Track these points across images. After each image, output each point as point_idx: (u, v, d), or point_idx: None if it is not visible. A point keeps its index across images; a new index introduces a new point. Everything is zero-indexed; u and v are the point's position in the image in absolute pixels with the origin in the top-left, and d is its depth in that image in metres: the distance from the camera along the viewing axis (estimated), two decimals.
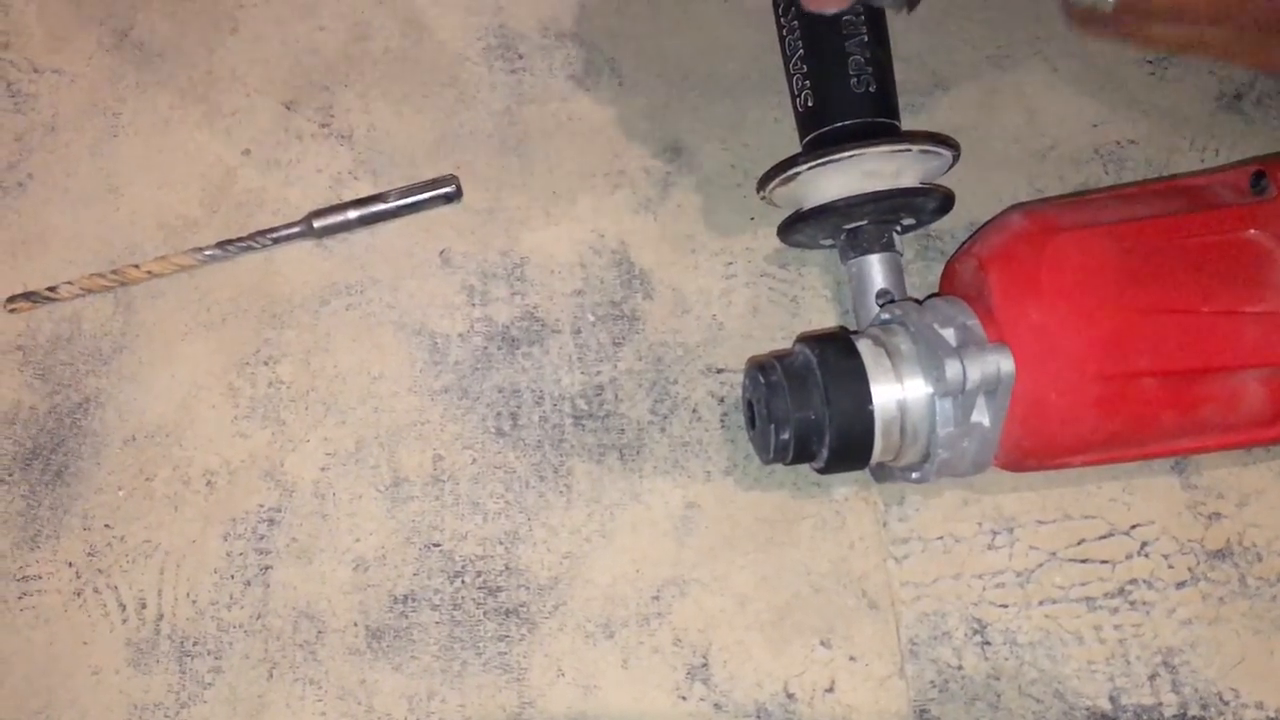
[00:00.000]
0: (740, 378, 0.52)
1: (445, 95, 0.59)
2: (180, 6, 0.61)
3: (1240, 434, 0.48)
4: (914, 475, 0.48)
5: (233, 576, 0.51)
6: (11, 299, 0.55)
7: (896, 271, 0.52)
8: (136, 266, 0.55)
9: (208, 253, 0.56)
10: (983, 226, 0.51)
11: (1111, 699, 0.49)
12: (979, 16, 0.60)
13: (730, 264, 0.56)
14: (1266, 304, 0.45)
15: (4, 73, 0.60)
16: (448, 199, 0.56)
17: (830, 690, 0.49)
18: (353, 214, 0.56)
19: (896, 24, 0.53)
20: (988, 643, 0.50)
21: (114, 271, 0.55)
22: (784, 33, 0.53)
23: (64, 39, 0.60)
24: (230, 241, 0.56)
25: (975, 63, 0.60)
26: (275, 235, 0.56)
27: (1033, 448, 0.46)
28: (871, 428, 0.46)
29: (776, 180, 0.52)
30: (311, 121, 0.59)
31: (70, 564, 0.51)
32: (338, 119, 0.59)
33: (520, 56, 0.60)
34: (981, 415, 0.46)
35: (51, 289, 0.55)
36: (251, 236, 0.56)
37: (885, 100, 0.52)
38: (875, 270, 0.52)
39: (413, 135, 0.59)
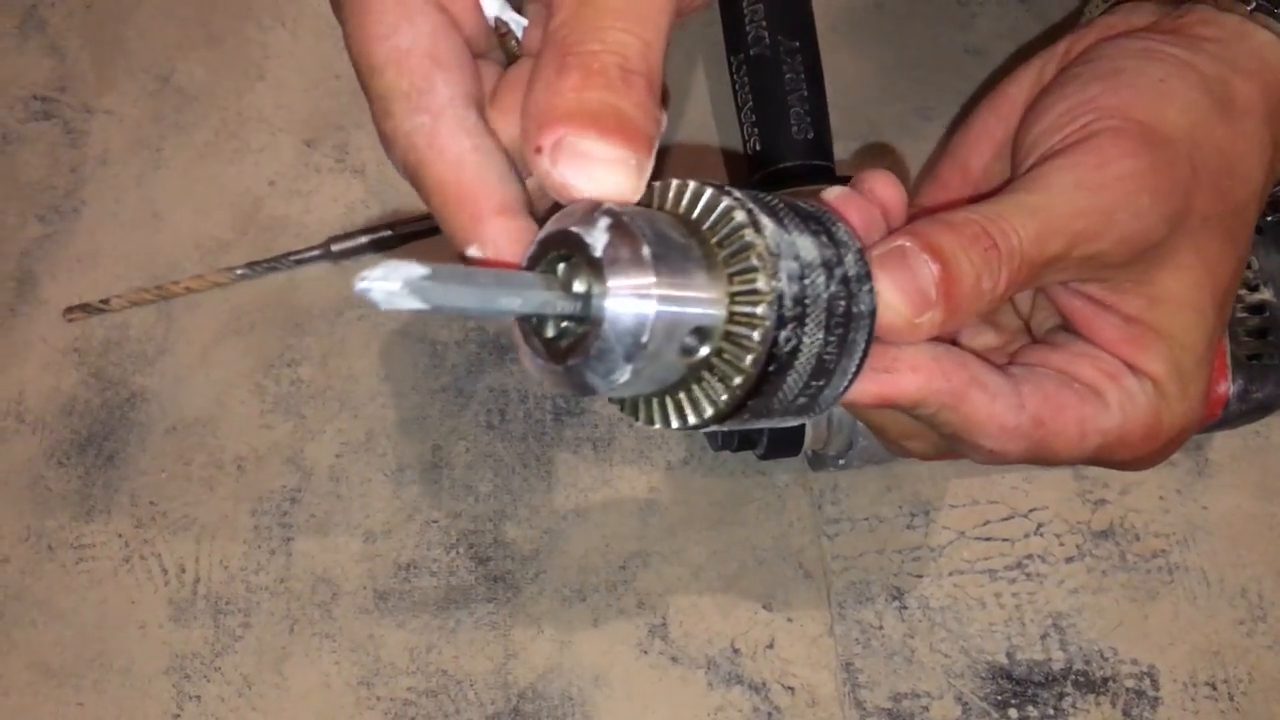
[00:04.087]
0: None
1: None
2: (214, 56, 0.70)
3: None
4: (840, 462, 0.57)
5: (259, 547, 0.59)
6: (69, 309, 0.63)
7: None
8: (176, 283, 0.64)
9: (238, 271, 0.64)
10: None
11: (1008, 655, 0.58)
12: (909, 75, 0.70)
13: None
14: None
15: (60, 112, 0.68)
16: None
17: (770, 646, 0.58)
18: (365, 239, 0.64)
19: (834, 80, 0.62)
20: (905, 607, 0.58)
21: (157, 287, 0.64)
22: (736, 87, 0.62)
23: (113, 83, 0.69)
24: (258, 262, 0.64)
25: (903, 114, 0.69)
26: (297, 257, 0.64)
27: None
28: None
29: None
30: (329, 157, 0.68)
31: (120, 535, 0.59)
32: (351, 155, 0.68)
33: None
34: None
35: (103, 301, 0.63)
36: (276, 258, 0.64)
37: (821, 145, 0.61)
38: None
39: None
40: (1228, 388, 0.54)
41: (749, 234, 0.27)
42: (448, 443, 0.61)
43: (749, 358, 0.27)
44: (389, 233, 0.64)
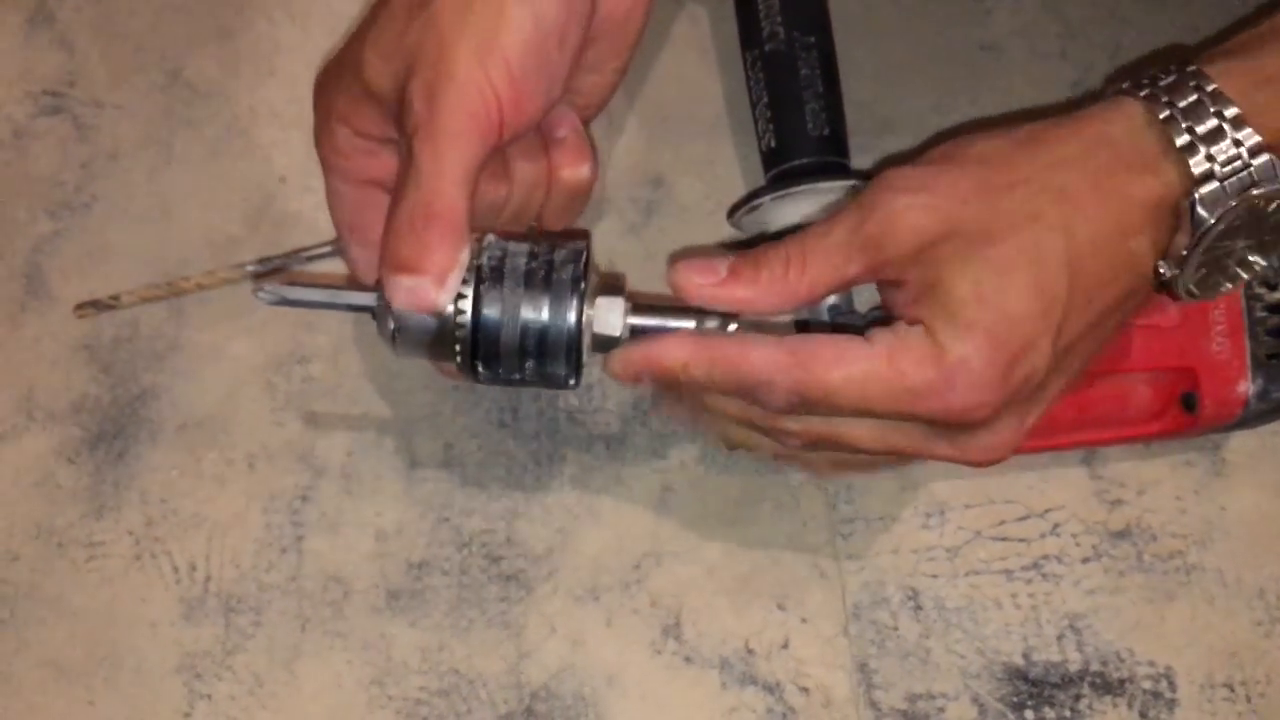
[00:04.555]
0: None
1: None
2: (225, 52, 0.69)
3: (1131, 428, 0.56)
4: None
5: (270, 545, 0.59)
6: (79, 306, 0.63)
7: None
8: (187, 279, 0.63)
9: (249, 267, 0.64)
10: None
11: (1025, 656, 0.57)
12: (923, 71, 0.69)
13: None
14: (1148, 319, 0.53)
15: (70, 107, 0.68)
16: None
17: (785, 647, 0.57)
18: None
19: (846, 76, 0.62)
20: (920, 607, 0.58)
21: (168, 283, 0.63)
22: (750, 83, 0.62)
23: (123, 78, 0.68)
24: (269, 258, 0.64)
25: (919, 111, 0.68)
26: (308, 253, 0.64)
27: None
28: None
29: (744, 209, 0.60)
30: None
31: (130, 533, 0.59)
32: None
33: None
34: None
35: (114, 297, 0.63)
36: (288, 254, 0.64)
37: (837, 142, 0.61)
38: None
39: None
40: (1247, 387, 0.54)
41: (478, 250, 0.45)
42: (460, 440, 0.60)
43: (465, 297, 0.44)
44: None
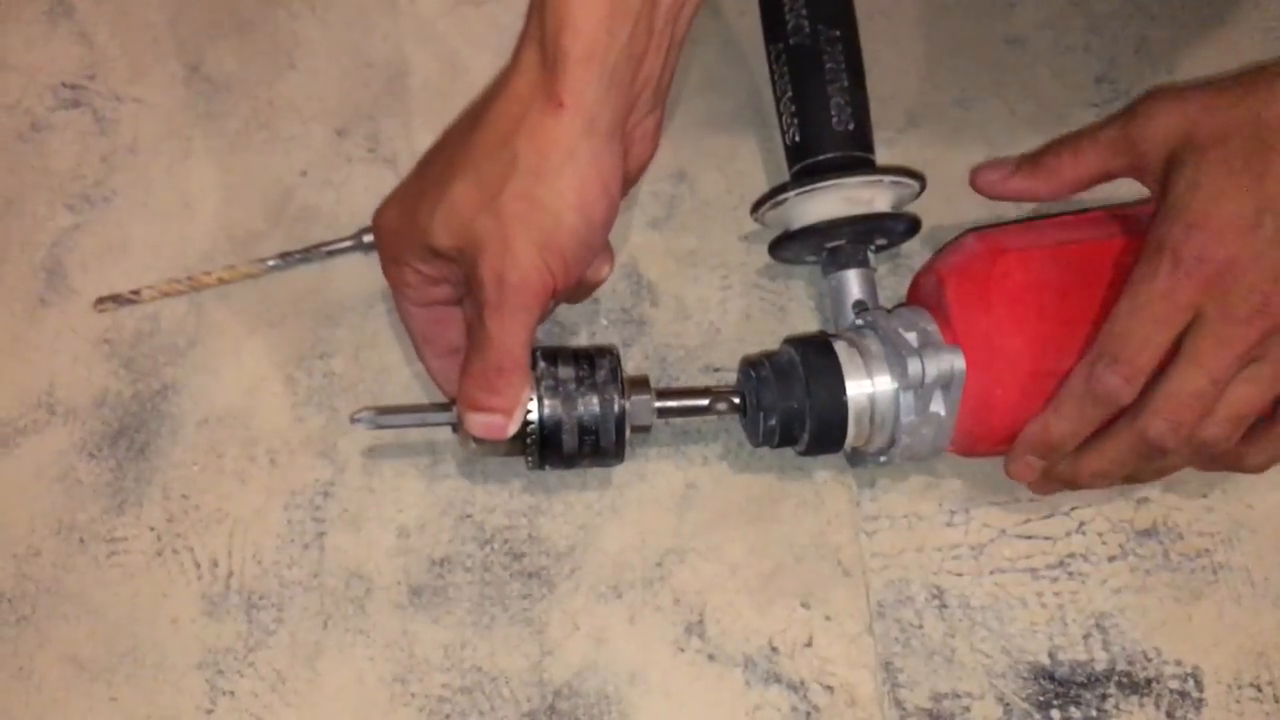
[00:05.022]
0: (734, 375, 0.60)
1: None
2: (244, 44, 0.69)
3: None
4: (881, 459, 0.56)
5: (292, 541, 0.58)
6: (100, 300, 0.62)
7: (870, 284, 0.60)
8: (208, 273, 0.63)
9: (270, 262, 0.63)
10: (944, 247, 0.58)
11: (1050, 655, 0.57)
12: (947, 65, 0.69)
13: (726, 277, 0.64)
14: None
15: (90, 100, 0.67)
16: None
17: (809, 645, 0.57)
18: None
19: (870, 70, 0.61)
20: (945, 606, 0.58)
21: (188, 277, 0.63)
22: (775, 77, 0.61)
23: (143, 71, 0.68)
24: (289, 253, 0.63)
25: (943, 104, 0.68)
26: (329, 248, 0.64)
27: (982, 435, 0.54)
28: (845, 416, 0.54)
29: (768, 205, 0.60)
30: (360, 147, 0.67)
31: (152, 528, 0.58)
32: (383, 145, 0.67)
33: None
34: (938, 406, 0.53)
35: (134, 292, 0.63)
36: (308, 249, 0.64)
37: (862, 136, 0.60)
38: (852, 283, 0.59)
39: None
40: None
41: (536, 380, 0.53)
42: None
43: (532, 412, 0.52)
44: None
